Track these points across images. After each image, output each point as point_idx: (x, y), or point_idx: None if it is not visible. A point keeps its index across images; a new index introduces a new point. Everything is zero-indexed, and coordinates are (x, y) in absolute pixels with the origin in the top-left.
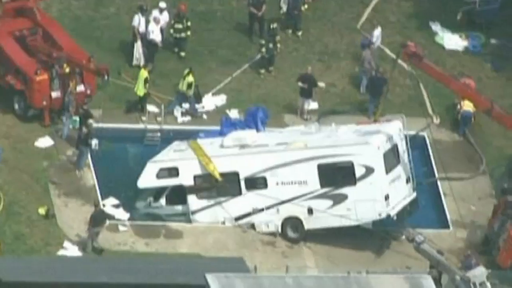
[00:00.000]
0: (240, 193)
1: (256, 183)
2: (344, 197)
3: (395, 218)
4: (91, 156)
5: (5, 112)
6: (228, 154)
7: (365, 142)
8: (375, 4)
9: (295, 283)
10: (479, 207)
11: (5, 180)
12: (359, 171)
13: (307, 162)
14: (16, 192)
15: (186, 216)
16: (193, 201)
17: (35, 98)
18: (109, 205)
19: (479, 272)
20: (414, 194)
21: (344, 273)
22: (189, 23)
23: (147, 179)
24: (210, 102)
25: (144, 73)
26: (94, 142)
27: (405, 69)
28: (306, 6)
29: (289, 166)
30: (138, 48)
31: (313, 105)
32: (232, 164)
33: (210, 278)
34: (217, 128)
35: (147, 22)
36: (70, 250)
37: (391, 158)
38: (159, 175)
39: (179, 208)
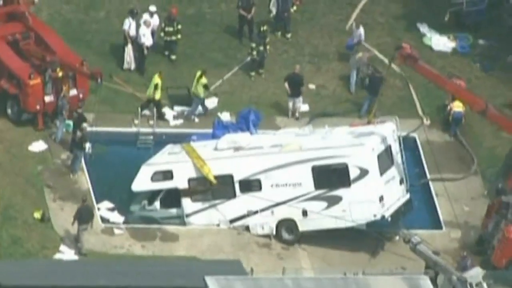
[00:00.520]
0: (234, 195)
1: (251, 185)
2: (338, 199)
3: (389, 219)
4: (85, 160)
5: None
6: (222, 156)
7: (359, 144)
8: (363, 5)
9: (295, 285)
10: (472, 207)
11: (0, 184)
12: (353, 173)
13: (302, 164)
14: (11, 196)
15: (180, 219)
16: (188, 204)
17: (28, 102)
18: (104, 208)
19: (475, 273)
20: (408, 195)
21: (340, 274)
22: (179, 26)
23: (142, 182)
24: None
25: (156, 79)
26: (88, 146)
27: (395, 71)
28: (295, 8)
29: (284, 168)
30: (129, 52)
31: (304, 107)
32: (227, 167)
33: (210, 280)
34: (210, 131)
35: (138, 26)
36: (67, 253)
37: (385, 159)
38: (153, 178)
39: (173, 211)
